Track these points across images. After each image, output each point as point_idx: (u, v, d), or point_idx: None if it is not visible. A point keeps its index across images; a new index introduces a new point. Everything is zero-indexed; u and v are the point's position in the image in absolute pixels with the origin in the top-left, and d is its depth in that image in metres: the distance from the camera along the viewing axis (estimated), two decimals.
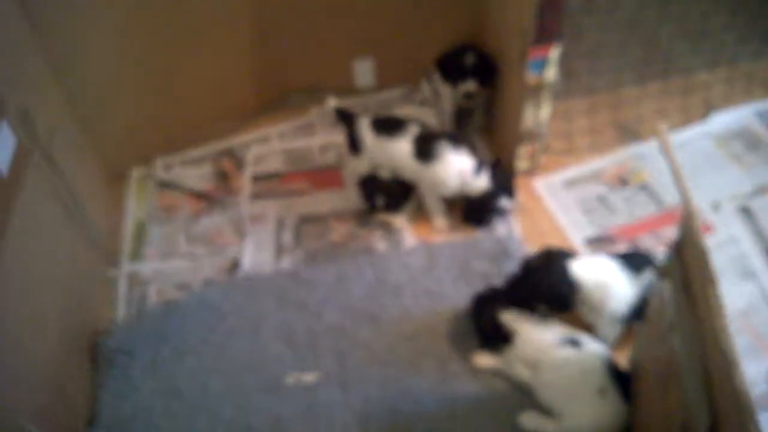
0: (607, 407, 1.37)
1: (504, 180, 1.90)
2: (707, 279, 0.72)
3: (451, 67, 2.11)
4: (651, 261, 1.56)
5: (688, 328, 0.94)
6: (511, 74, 1.89)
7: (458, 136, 1.94)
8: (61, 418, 1.46)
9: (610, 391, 1.38)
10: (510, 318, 1.54)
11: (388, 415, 1.51)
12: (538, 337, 1.50)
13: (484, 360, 1.58)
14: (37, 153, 1.57)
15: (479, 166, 1.86)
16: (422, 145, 1.85)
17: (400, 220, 1.99)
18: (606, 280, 1.52)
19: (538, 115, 1.91)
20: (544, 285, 1.52)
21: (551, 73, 1.81)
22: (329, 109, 2.03)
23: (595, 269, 1.53)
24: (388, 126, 1.91)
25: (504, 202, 1.89)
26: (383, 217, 1.98)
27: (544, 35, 1.67)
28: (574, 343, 1.46)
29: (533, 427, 1.45)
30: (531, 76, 1.78)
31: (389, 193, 1.96)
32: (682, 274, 0.99)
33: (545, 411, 1.47)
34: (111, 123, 2.08)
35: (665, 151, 0.86)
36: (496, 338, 1.54)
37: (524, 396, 1.52)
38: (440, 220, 1.95)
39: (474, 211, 1.91)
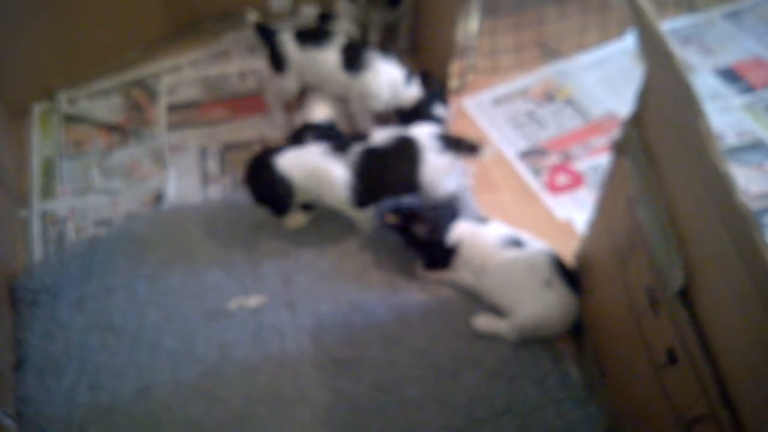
0: (554, 297, 1.42)
1: (436, 87, 1.89)
2: (696, 112, 0.74)
3: None
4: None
5: (652, 195, 0.97)
6: None
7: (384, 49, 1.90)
8: None
9: (557, 283, 1.43)
10: (458, 225, 1.53)
11: (342, 329, 1.50)
12: (481, 242, 1.52)
13: (432, 274, 1.58)
14: None
15: (409, 76, 1.84)
16: (351, 55, 1.79)
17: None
18: (316, 169, 1.56)
19: (467, 27, 1.90)
20: (258, 190, 1.58)
21: None
22: (250, 23, 1.91)
23: (302, 161, 1.57)
24: (314, 37, 1.82)
25: (438, 109, 1.86)
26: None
27: None
28: (517, 243, 1.49)
29: (486, 327, 1.47)
30: None
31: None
32: (642, 144, 1.01)
33: (496, 313, 1.49)
34: (8, 55, 1.89)
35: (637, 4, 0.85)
36: (443, 254, 1.53)
37: (473, 301, 1.54)
38: (368, 128, 1.86)
39: (408, 121, 1.86)
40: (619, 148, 1.13)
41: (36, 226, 1.76)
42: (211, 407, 1.39)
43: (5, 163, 1.79)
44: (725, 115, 2.02)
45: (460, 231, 1.54)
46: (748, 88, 2.12)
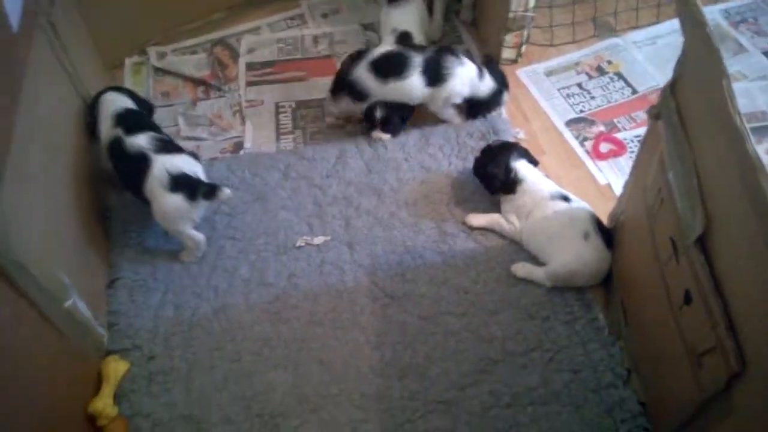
0: (590, 248, 1.50)
1: (501, 77, 1.95)
2: (721, 73, 0.80)
3: None
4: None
5: (681, 155, 1.04)
6: None
7: (451, 48, 1.90)
8: (84, 278, 1.49)
9: (593, 236, 1.50)
10: (521, 165, 1.64)
11: (395, 268, 1.61)
12: (537, 188, 1.61)
13: (477, 219, 1.68)
14: (42, 16, 1.53)
15: (480, 70, 1.87)
16: (432, 71, 1.79)
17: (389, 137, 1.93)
18: None
19: (528, 2, 1.95)
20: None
21: None
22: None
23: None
24: (393, 67, 1.79)
25: (504, 96, 1.94)
26: (377, 134, 1.91)
27: None
28: (565, 198, 1.57)
29: (524, 273, 1.57)
30: None
31: (388, 116, 1.87)
32: (677, 110, 1.08)
33: (535, 263, 1.58)
34: (105, 12, 2.02)
35: None
36: (506, 183, 1.64)
37: (515, 251, 1.63)
38: (455, 118, 1.95)
39: (482, 109, 1.93)
40: (656, 114, 1.20)
41: None
42: (278, 327, 1.52)
43: None
44: None
45: (524, 169, 1.64)
46: None
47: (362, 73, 1.80)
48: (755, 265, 0.87)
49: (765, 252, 0.81)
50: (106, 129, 1.64)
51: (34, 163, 1.35)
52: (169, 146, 1.61)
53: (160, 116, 2.03)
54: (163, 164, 1.53)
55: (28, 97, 1.34)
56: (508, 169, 1.63)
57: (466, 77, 1.83)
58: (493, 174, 1.65)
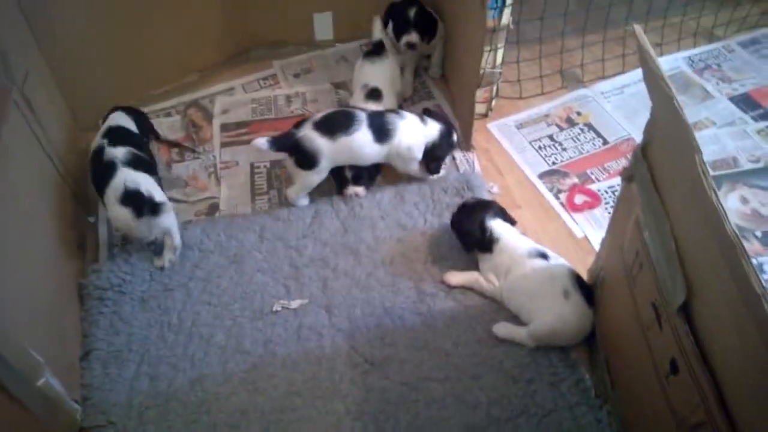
0: (571, 306, 1.47)
1: (445, 118, 1.95)
2: (693, 148, 0.79)
3: (395, 19, 2.14)
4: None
5: (657, 219, 1.02)
6: (469, 18, 1.92)
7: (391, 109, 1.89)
8: (56, 352, 1.43)
9: (574, 294, 1.47)
10: (496, 224, 1.61)
11: (374, 331, 1.57)
12: (514, 246, 1.58)
13: (456, 278, 1.65)
14: (15, 91, 1.50)
15: (422, 118, 1.84)
16: (377, 127, 1.76)
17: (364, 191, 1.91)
18: None
19: (495, 58, 1.96)
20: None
21: (506, 17, 1.86)
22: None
23: None
24: (338, 123, 1.74)
25: (454, 136, 1.91)
26: (352, 189, 1.88)
27: None
28: (543, 256, 1.54)
29: (506, 333, 1.53)
30: (489, 20, 1.82)
31: (357, 171, 1.86)
32: (649, 173, 1.06)
33: (516, 322, 1.54)
34: (80, 75, 2.02)
35: (642, 46, 0.91)
36: (482, 241, 1.61)
37: (495, 311, 1.60)
38: (423, 174, 1.91)
39: (436, 154, 1.87)
40: (628, 177, 1.18)
41: (103, 231, 1.86)
42: (255, 398, 1.46)
43: (75, 172, 1.89)
44: (741, 140, 2.04)
45: (500, 228, 1.61)
46: (765, 114, 2.14)
47: (309, 132, 1.74)
48: (740, 335, 0.84)
49: (748, 323, 0.79)
50: (97, 139, 1.76)
51: (5, 234, 1.30)
52: (141, 163, 1.69)
53: None
54: (124, 177, 1.62)
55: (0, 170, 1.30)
56: (484, 228, 1.61)
57: (410, 129, 1.80)
58: (468, 232, 1.63)
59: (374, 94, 2.00)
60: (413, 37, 2.11)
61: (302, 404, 1.44)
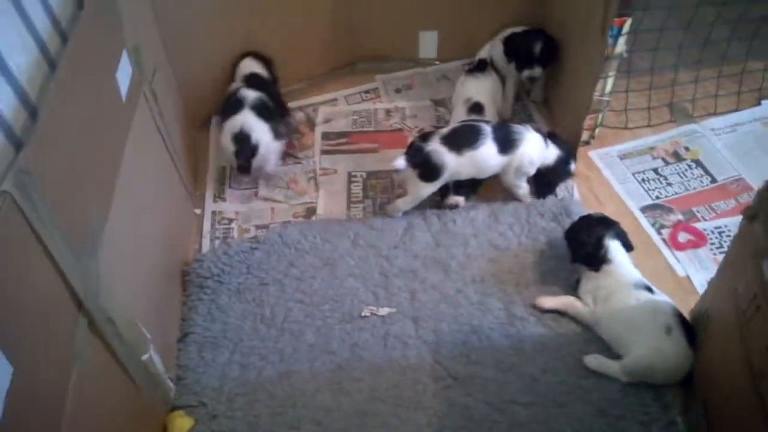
0: (672, 344, 1.41)
1: (566, 146, 1.92)
2: None
3: (519, 52, 2.11)
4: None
5: None
6: (585, 45, 1.90)
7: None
8: (159, 331, 1.51)
9: (676, 332, 1.41)
10: (613, 245, 1.58)
11: (459, 348, 1.56)
12: (622, 273, 1.55)
13: (549, 302, 1.61)
14: (146, 85, 1.61)
15: (545, 140, 1.85)
16: (502, 138, 1.78)
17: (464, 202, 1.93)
18: None
19: (605, 86, 1.93)
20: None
21: (621, 45, 1.82)
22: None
23: None
24: (466, 137, 1.78)
25: (572, 165, 1.90)
26: (453, 199, 1.91)
27: (624, 4, 1.68)
28: (649, 289, 1.50)
29: (597, 365, 1.48)
30: (606, 46, 1.79)
31: (460, 181, 1.88)
32: None
33: (608, 356, 1.49)
34: (197, 73, 2.13)
35: None
36: (593, 256, 1.58)
37: (586, 341, 1.55)
38: (528, 196, 1.92)
39: (549, 179, 1.89)
40: (750, 215, 1.13)
41: (207, 223, 1.96)
42: (339, 398, 1.48)
43: (186, 166, 2.01)
44: None
45: (615, 250, 1.58)
46: None
47: (437, 147, 1.77)
48: None
49: None
50: (236, 82, 2.06)
51: (126, 222, 1.39)
52: (264, 111, 1.95)
53: (241, 178, 2.08)
54: (243, 120, 1.91)
55: (127, 160, 1.39)
56: (600, 244, 1.57)
57: (534, 143, 1.81)
58: (583, 242, 1.60)
59: (477, 108, 2.02)
60: (536, 71, 2.09)
61: (384, 410, 1.45)
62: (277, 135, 2.00)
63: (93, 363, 1.13)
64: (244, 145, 1.90)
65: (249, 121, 1.91)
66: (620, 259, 1.57)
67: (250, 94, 1.96)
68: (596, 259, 1.57)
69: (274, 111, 2.01)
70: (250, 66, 2.10)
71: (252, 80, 2.04)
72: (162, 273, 1.64)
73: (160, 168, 1.77)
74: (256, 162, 1.94)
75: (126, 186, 1.36)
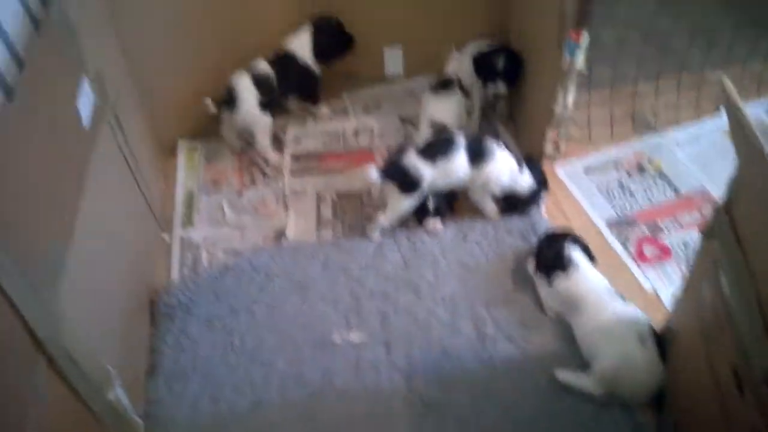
0: (644, 355, 1.40)
1: (541, 175, 1.92)
2: None
3: (483, 67, 2.13)
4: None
5: (741, 281, 0.97)
6: (544, 59, 1.91)
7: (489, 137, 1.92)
8: (126, 367, 1.47)
9: (649, 342, 1.41)
10: (575, 251, 1.61)
11: (432, 372, 1.54)
12: (596, 279, 1.57)
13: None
14: (109, 112, 1.58)
15: (520, 164, 1.85)
16: (474, 150, 1.80)
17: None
18: None
19: (566, 100, 1.94)
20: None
21: (580, 59, 1.84)
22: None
23: None
24: (440, 148, 1.80)
25: (543, 196, 1.91)
26: (434, 223, 1.90)
27: (581, 18, 1.69)
28: (623, 298, 1.53)
29: (568, 379, 1.47)
30: (564, 60, 1.80)
31: (439, 204, 1.89)
32: (732, 231, 1.02)
33: (579, 368, 1.49)
34: (163, 97, 2.10)
35: (730, 98, 0.88)
36: (555, 262, 1.60)
37: (558, 358, 1.55)
38: (494, 213, 1.92)
39: (519, 206, 1.90)
40: (709, 233, 1.14)
41: (176, 250, 1.92)
42: (313, 429, 1.45)
43: (154, 191, 1.97)
44: None
45: (579, 257, 1.62)
46: None
47: (413, 159, 1.78)
48: None
49: None
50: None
51: (90, 251, 1.35)
52: (261, 79, 2.07)
53: (208, 203, 2.04)
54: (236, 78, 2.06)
55: (90, 188, 1.36)
56: (562, 248, 1.61)
57: (504, 163, 1.81)
58: (549, 246, 1.65)
59: (440, 129, 2.01)
60: (500, 87, 2.12)
61: None
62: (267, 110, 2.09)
63: (53, 402, 1.09)
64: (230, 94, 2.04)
65: (242, 81, 2.05)
66: (585, 266, 1.60)
67: (259, 66, 2.09)
68: (563, 261, 1.59)
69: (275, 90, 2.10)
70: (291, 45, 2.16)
71: (281, 61, 2.13)
72: (129, 303, 1.60)
73: (126, 194, 1.73)
74: (240, 121, 2.07)
75: (89, 214, 1.33)
